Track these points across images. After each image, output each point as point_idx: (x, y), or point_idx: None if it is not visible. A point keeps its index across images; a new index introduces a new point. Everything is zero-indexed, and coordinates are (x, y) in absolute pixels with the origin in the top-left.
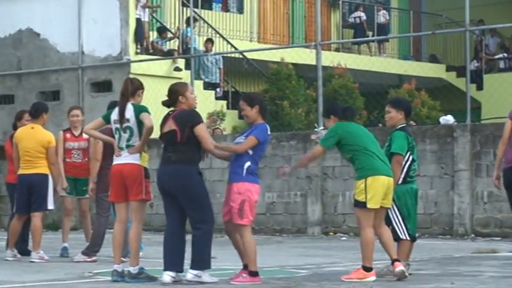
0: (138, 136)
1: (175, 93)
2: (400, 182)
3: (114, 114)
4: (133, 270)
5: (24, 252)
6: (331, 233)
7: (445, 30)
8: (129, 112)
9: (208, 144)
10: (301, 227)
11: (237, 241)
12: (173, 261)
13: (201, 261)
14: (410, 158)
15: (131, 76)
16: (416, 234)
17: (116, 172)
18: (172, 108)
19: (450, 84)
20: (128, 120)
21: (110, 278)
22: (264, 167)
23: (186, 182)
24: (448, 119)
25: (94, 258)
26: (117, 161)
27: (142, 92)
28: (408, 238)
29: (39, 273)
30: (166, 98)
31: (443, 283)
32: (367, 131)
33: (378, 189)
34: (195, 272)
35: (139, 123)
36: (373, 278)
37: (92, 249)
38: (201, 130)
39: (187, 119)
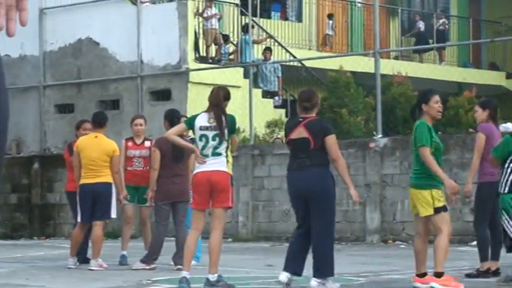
0: (226, 144)
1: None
2: (506, 190)
3: (202, 121)
4: (212, 277)
5: (83, 260)
6: (390, 241)
7: (504, 37)
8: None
9: (335, 156)
10: (359, 235)
11: None
12: (295, 264)
13: (326, 269)
14: None
15: (190, 85)
16: None
17: (203, 179)
18: (303, 116)
19: (510, 92)
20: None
21: (168, 286)
22: None
23: (322, 184)
24: (508, 127)
25: (153, 266)
26: (202, 168)
27: (227, 103)
28: None
29: (98, 281)
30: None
31: None
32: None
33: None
34: (319, 279)
35: (230, 132)
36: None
37: (150, 257)
38: (331, 140)
39: (321, 129)
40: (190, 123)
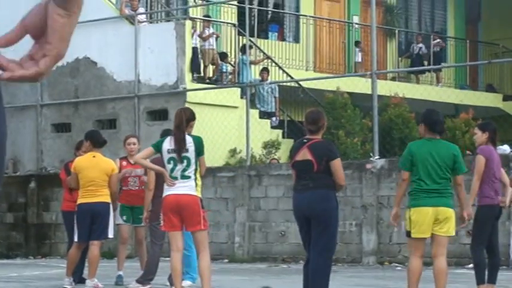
0: (194, 167)
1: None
2: None
3: (168, 144)
4: None
5: (79, 279)
6: (386, 263)
7: (501, 59)
8: (189, 143)
9: (341, 180)
10: (356, 257)
11: None
12: None
13: None
14: None
15: (187, 105)
16: None
17: (172, 202)
18: (307, 137)
19: (507, 114)
20: (186, 151)
21: None
22: None
23: (325, 205)
24: (505, 149)
25: (148, 286)
26: (171, 191)
27: (194, 123)
28: None
29: None
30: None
31: None
32: (435, 151)
33: (419, 221)
34: None
35: (198, 155)
36: None
37: (146, 277)
38: (336, 165)
39: (325, 152)
40: (158, 146)
